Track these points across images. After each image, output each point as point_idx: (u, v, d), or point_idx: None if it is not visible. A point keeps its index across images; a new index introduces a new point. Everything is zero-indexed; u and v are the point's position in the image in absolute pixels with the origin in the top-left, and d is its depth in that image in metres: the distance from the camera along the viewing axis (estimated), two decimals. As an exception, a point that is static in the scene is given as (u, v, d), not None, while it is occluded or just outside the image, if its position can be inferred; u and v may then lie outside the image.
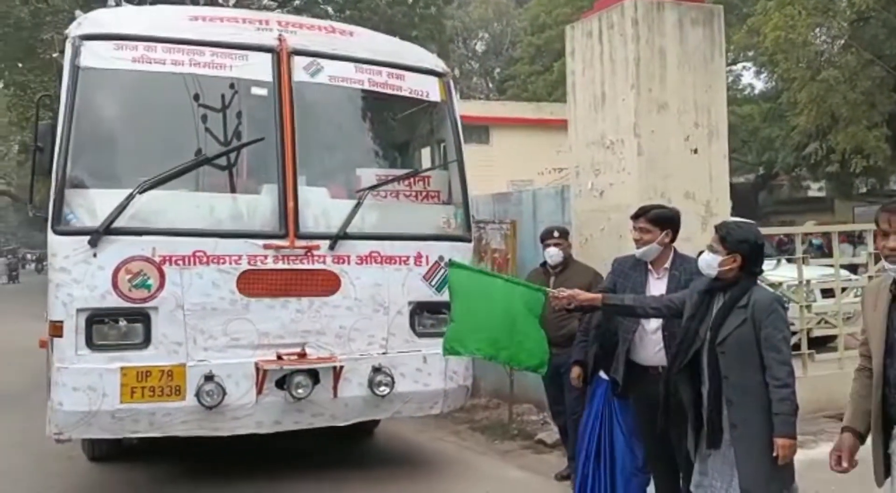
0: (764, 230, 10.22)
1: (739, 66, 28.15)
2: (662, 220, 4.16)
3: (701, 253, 3.62)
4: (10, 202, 42.66)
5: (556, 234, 5.53)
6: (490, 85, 40.51)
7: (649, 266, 4.19)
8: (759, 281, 3.66)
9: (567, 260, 5.53)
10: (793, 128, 17.46)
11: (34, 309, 9.95)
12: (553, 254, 5.47)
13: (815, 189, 29.84)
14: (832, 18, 14.33)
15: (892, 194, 22.20)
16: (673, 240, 4.19)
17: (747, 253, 3.52)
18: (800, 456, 5.60)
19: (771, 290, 3.80)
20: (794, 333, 7.03)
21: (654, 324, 4.07)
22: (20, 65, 19.86)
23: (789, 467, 3.46)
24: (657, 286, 4.13)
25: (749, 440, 3.40)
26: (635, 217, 4.23)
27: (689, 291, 3.70)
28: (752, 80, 29.58)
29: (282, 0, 26.35)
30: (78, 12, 5.21)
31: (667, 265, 4.16)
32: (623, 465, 4.44)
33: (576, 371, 4.87)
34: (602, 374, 4.60)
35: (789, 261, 7.34)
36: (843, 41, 14.79)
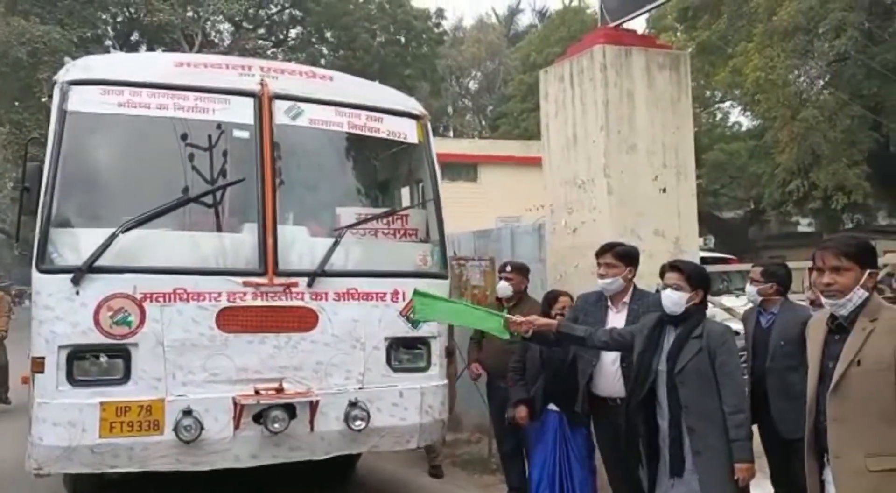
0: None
1: (727, 103, 28.60)
2: (627, 256, 4.35)
3: (661, 290, 3.78)
4: (5, 239, 42.72)
5: (508, 268, 5.73)
6: (483, 122, 41.01)
7: (609, 301, 4.34)
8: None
9: (521, 295, 5.67)
10: (777, 165, 17.78)
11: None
12: (502, 287, 5.65)
13: (805, 225, 30.12)
14: (811, 60, 14.67)
15: (880, 230, 22.43)
16: (634, 276, 4.35)
17: (706, 288, 3.74)
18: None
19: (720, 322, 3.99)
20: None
21: (611, 356, 4.21)
22: (16, 103, 20.19)
23: (748, 490, 3.63)
24: (616, 320, 4.29)
25: (713, 465, 3.54)
26: (601, 253, 4.40)
27: (639, 326, 3.86)
28: (740, 117, 30.04)
29: (276, 40, 26.83)
30: (67, 59, 5.40)
31: (626, 300, 4.32)
32: None
33: (522, 411, 4.94)
34: (552, 406, 4.71)
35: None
36: (822, 82, 15.13)
